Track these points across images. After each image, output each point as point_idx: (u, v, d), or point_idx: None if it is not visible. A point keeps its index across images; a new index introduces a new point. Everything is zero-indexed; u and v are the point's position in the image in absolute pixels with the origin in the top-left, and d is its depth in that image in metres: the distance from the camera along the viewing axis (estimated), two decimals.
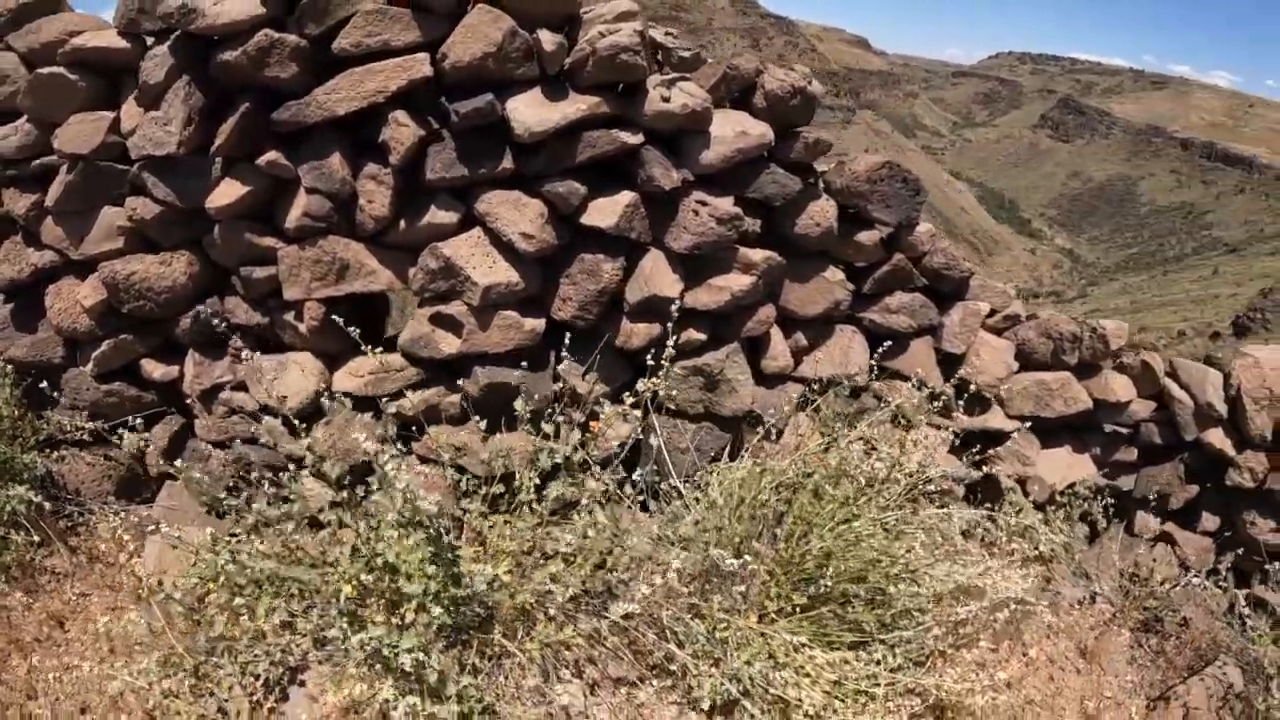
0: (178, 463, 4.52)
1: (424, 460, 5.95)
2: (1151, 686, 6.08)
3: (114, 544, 5.75)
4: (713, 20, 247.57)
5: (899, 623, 4.65)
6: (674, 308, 5.39)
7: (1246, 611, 6.76)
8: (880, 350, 6.37)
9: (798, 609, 4.48)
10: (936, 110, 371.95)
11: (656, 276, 5.87)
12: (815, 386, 6.56)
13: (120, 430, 4.68)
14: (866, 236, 6.54)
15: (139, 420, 6.18)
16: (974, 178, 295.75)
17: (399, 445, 4.60)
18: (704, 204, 5.84)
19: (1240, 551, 7.52)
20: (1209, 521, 7.85)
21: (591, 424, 5.60)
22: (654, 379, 4.96)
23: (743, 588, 4.50)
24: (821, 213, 6.32)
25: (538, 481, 4.54)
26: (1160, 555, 7.85)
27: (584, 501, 4.48)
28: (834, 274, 6.60)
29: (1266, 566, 7.13)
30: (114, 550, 5.86)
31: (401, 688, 3.43)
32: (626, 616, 4.11)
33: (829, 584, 4.43)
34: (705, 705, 4.05)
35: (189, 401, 6.30)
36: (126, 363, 6.35)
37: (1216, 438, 7.40)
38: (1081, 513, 7.19)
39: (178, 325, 6.19)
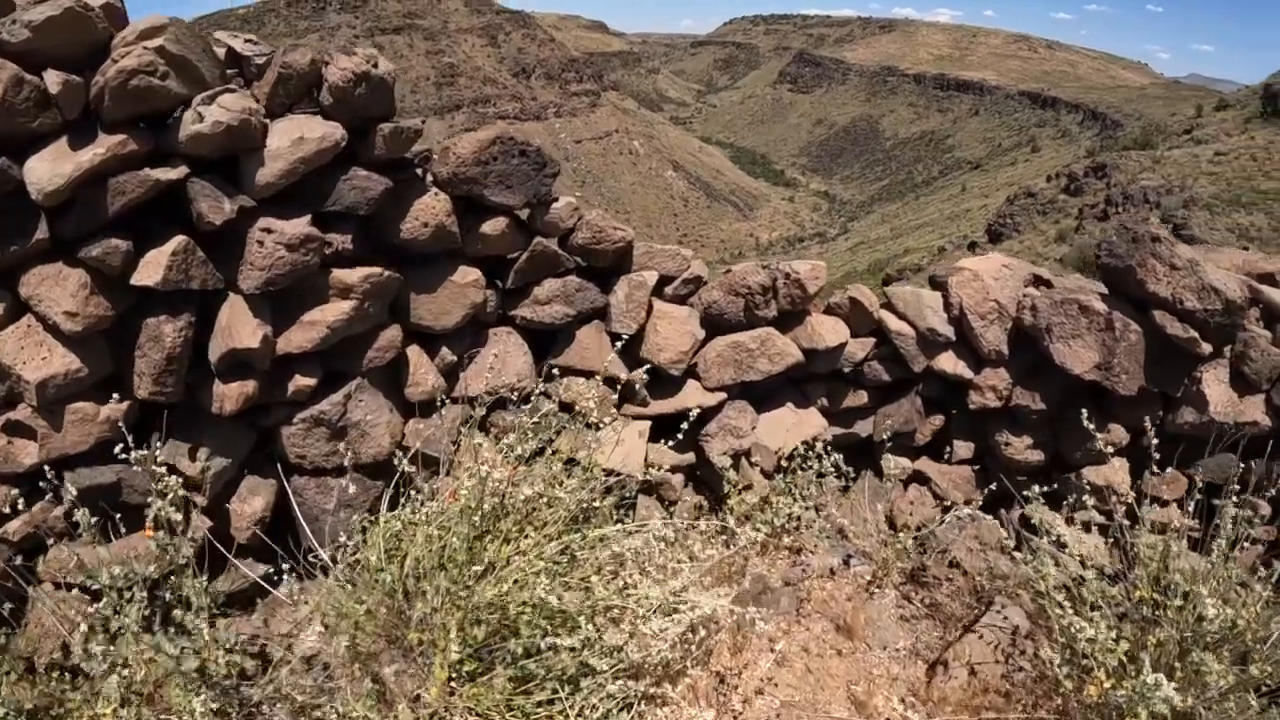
0: None
1: (57, 586, 4.98)
2: (929, 648, 5.44)
3: None
4: (448, 23, 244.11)
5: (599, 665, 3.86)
6: (264, 357, 4.70)
7: (1011, 543, 6.31)
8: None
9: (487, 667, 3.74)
10: (680, 81, 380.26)
11: (235, 326, 4.95)
12: (482, 403, 5.55)
13: None
14: (491, 226, 5.77)
15: None
16: (724, 140, 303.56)
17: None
18: (269, 231, 4.94)
19: (1001, 477, 7.02)
20: (963, 449, 7.26)
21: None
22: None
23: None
24: (428, 210, 5.50)
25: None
26: (915, 497, 7.26)
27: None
28: (465, 275, 5.78)
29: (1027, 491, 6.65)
30: None
31: None
32: None
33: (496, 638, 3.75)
34: None
35: None
36: None
37: (948, 362, 6.91)
38: (817, 472, 6.43)
39: None
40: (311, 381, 5.24)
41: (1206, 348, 6.22)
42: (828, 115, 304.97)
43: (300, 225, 4.95)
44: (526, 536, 4.27)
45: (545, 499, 4.49)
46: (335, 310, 5.15)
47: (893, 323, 6.84)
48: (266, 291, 4.94)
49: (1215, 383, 6.37)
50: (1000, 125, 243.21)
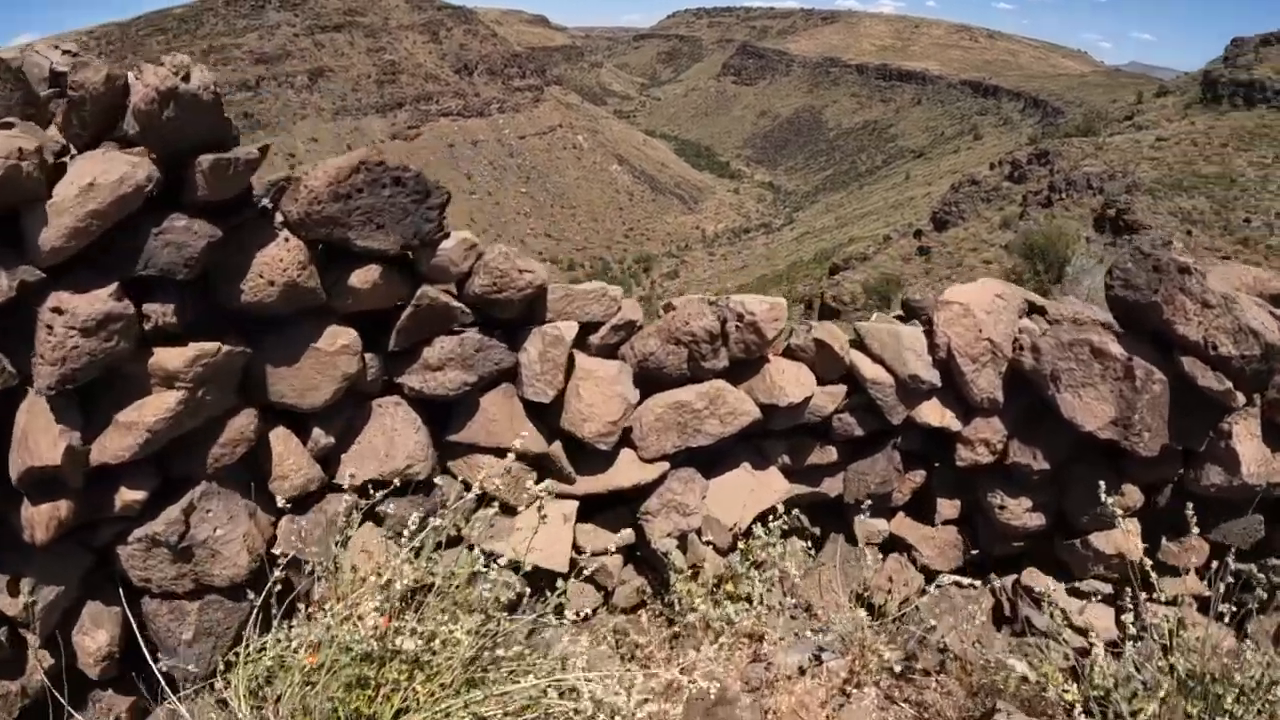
0: None
1: None
2: None
3: None
4: (389, 19, 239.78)
5: None
6: (72, 474, 3.71)
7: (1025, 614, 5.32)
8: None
9: None
10: (624, 75, 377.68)
11: (32, 437, 3.78)
12: (372, 492, 4.34)
13: None
14: (361, 277, 4.55)
15: None
16: (669, 133, 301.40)
17: None
18: (59, 312, 3.70)
19: (997, 543, 6.01)
20: (948, 509, 6.12)
21: None
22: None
23: None
24: (275, 264, 4.25)
25: None
26: (893, 568, 6.19)
27: None
28: (333, 339, 4.55)
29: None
30: None
31: None
32: None
33: None
34: None
35: None
36: None
37: (933, 413, 5.74)
38: (782, 531, 5.34)
39: None
40: (139, 495, 4.06)
41: (1240, 399, 5.14)
42: (771, 107, 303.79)
43: (98, 301, 3.71)
44: (418, 685, 3.21)
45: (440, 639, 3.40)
46: (158, 405, 3.95)
47: (867, 368, 5.70)
48: (64, 390, 3.74)
49: (1247, 438, 5.25)
50: (943, 114, 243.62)
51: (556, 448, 5.02)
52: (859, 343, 5.85)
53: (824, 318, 47.09)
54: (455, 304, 4.81)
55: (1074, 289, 24.90)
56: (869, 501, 5.87)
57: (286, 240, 4.27)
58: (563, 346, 5.08)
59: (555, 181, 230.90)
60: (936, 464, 6.07)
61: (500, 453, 4.83)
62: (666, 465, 5.42)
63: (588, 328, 5.38)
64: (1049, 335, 5.45)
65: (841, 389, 5.82)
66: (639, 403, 5.38)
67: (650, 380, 5.45)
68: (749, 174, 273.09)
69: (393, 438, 4.68)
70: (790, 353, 5.78)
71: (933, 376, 5.64)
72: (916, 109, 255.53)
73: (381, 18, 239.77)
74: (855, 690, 4.78)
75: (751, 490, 5.74)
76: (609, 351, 5.47)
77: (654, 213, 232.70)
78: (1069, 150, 64.78)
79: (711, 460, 5.74)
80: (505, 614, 3.81)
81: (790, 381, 5.52)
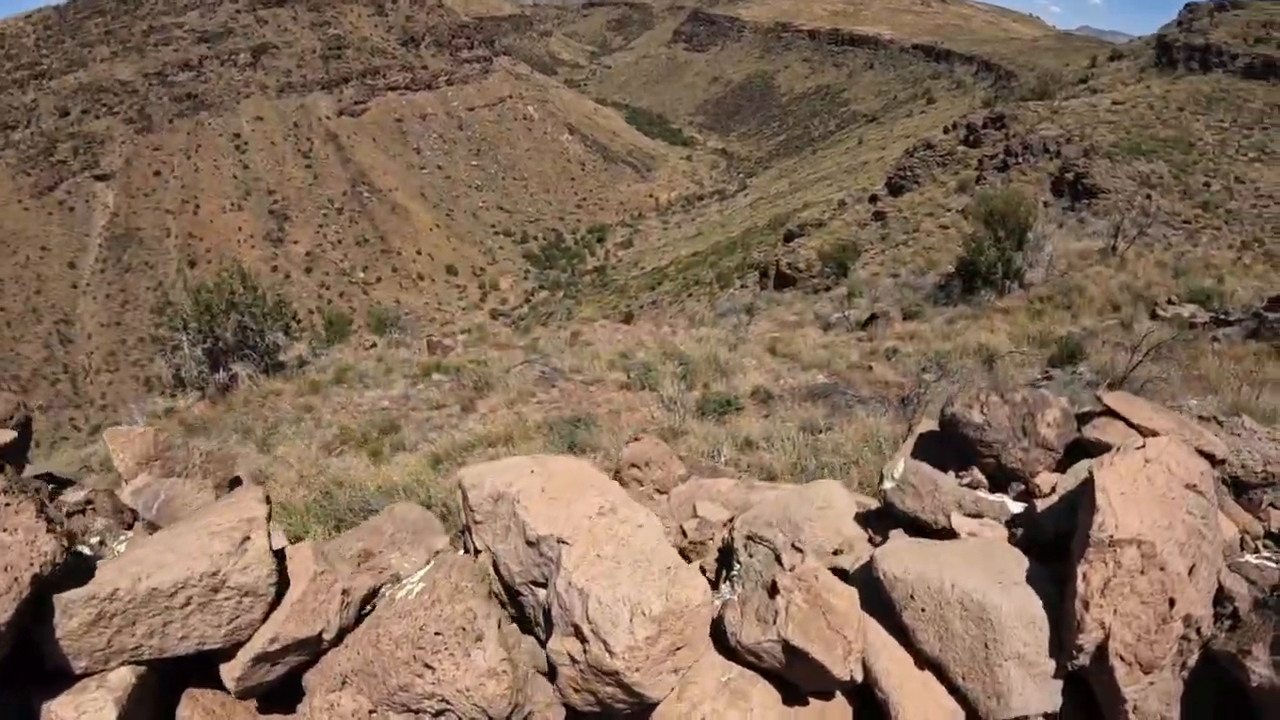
0: None
1: None
2: None
3: None
4: None
5: None
6: None
7: None
8: None
9: None
10: (573, 44, 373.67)
11: None
12: None
13: None
14: None
15: None
16: (620, 101, 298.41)
17: None
18: None
19: None
20: None
21: None
22: None
23: None
24: None
25: None
26: None
27: None
28: None
29: None
30: None
31: None
32: None
33: None
34: None
35: None
36: None
37: None
38: None
39: None
40: None
41: None
42: (723, 73, 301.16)
43: None
44: None
45: None
46: None
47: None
48: None
49: None
50: (895, 78, 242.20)
51: None
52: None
53: (779, 286, 45.47)
54: None
55: (1036, 256, 23.33)
56: None
57: None
58: None
59: (506, 153, 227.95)
60: None
61: None
62: None
63: None
64: None
65: None
66: None
67: None
68: (702, 141, 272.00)
69: None
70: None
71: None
72: (869, 74, 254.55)
73: None
74: None
75: None
76: None
77: (607, 182, 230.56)
78: (1024, 114, 63.45)
79: None
80: None
81: None
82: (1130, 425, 4.26)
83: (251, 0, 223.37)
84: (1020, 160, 56.95)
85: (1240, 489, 4.05)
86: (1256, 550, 3.55)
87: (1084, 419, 4.55)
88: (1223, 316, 16.68)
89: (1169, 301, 18.70)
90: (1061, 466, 4.44)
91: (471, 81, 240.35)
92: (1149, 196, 49.91)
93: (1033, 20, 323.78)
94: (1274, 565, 3.31)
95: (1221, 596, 3.33)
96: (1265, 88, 64.01)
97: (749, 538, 4.43)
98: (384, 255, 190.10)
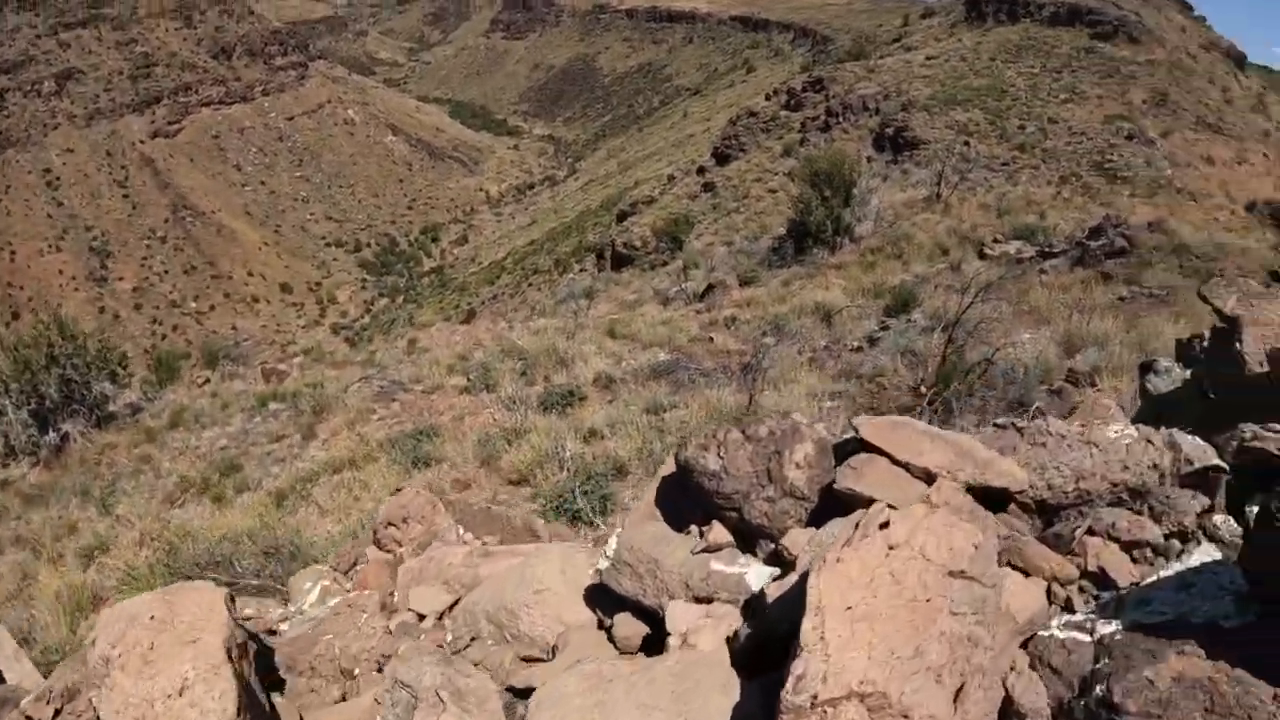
0: None
1: None
2: None
3: None
4: (137, 7, 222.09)
5: None
6: None
7: None
8: None
9: None
10: (390, 41, 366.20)
11: None
12: None
13: None
14: None
15: None
16: (442, 96, 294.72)
17: None
18: None
19: None
20: None
21: None
22: None
23: None
24: None
25: None
26: None
27: None
28: None
29: None
30: None
31: None
32: None
33: None
34: None
35: None
36: None
37: None
38: None
39: None
40: None
41: None
42: (544, 59, 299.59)
43: None
44: None
45: None
46: None
47: None
48: None
49: None
50: (715, 50, 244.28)
51: None
52: None
53: (617, 266, 44.98)
54: None
55: (864, 210, 23.42)
56: None
57: None
58: None
59: (330, 160, 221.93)
60: None
61: None
62: None
63: None
64: None
65: None
66: None
67: None
68: (528, 129, 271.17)
69: None
70: None
71: None
72: (689, 48, 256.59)
73: (129, 7, 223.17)
74: None
75: None
76: None
77: (435, 180, 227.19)
78: (843, 75, 64.64)
79: None
80: None
81: None
82: (895, 463, 3.41)
83: (52, 23, 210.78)
84: (841, 120, 57.91)
85: (1049, 515, 3.31)
86: (1068, 603, 2.85)
87: (845, 450, 3.78)
88: (1048, 249, 16.86)
89: (995, 240, 18.89)
90: (820, 516, 3.63)
91: (288, 90, 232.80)
92: (968, 143, 51.26)
93: None
94: (1087, 636, 2.59)
95: (1009, 712, 2.60)
96: (1071, 33, 66.52)
97: (397, 681, 3.60)
98: (214, 281, 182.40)
